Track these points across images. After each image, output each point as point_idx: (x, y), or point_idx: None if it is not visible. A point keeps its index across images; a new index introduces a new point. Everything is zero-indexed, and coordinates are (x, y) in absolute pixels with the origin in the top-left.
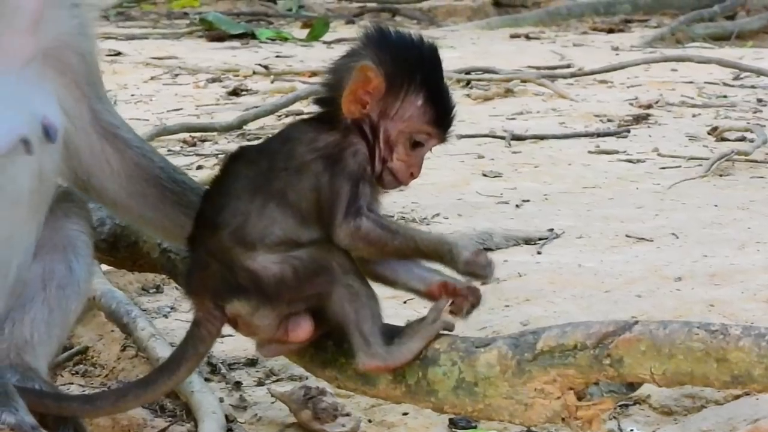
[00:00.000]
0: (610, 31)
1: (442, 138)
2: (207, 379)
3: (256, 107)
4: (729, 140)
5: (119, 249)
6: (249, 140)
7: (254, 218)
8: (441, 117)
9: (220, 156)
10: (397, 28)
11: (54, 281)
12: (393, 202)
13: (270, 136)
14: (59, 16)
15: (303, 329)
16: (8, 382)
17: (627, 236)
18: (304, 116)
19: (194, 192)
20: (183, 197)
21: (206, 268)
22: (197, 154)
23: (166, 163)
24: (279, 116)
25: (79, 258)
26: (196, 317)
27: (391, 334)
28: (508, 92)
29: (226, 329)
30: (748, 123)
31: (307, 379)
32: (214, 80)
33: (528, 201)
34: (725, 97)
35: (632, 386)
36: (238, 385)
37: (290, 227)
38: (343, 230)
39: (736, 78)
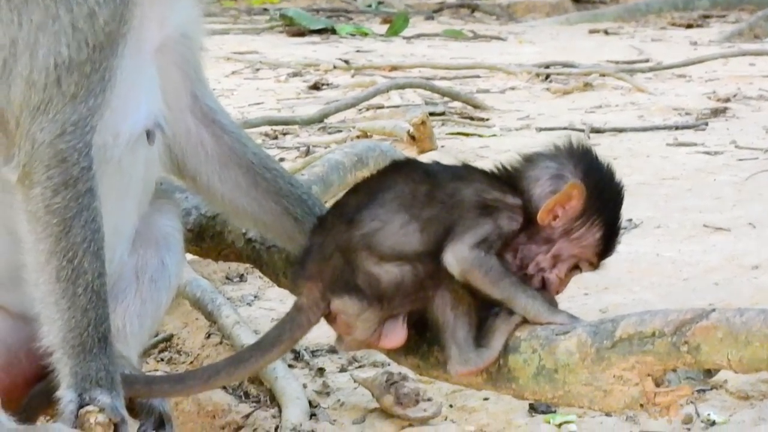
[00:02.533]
0: (689, 26)
1: (597, 267)
2: (290, 366)
3: (337, 101)
4: None
5: (204, 239)
6: (330, 133)
7: (391, 230)
8: (608, 252)
9: (301, 149)
10: (595, 152)
11: (147, 274)
12: None
13: (439, 163)
14: (182, 8)
15: (397, 336)
16: (119, 371)
17: (705, 226)
18: (482, 168)
19: (285, 180)
20: (274, 184)
21: (328, 259)
22: (279, 147)
23: (260, 150)
24: (360, 110)
25: (171, 253)
26: (299, 303)
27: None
28: (587, 86)
29: None
30: None
31: (389, 365)
32: (294, 75)
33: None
34: None
35: (709, 372)
36: (321, 371)
37: (419, 248)
38: (459, 253)
39: None
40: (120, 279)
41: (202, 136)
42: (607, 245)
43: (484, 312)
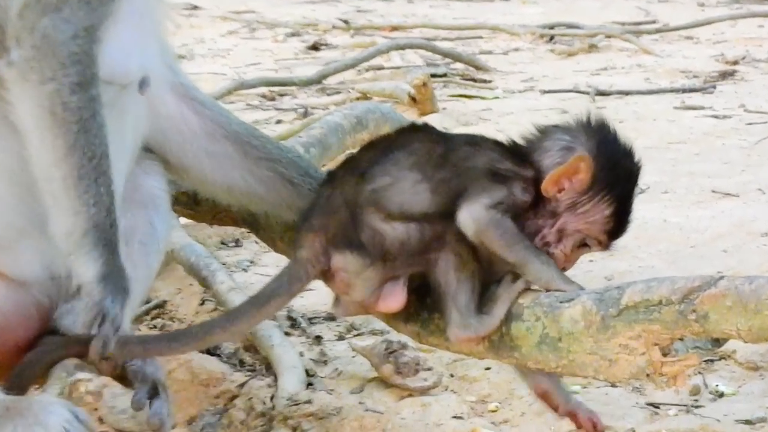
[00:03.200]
0: None
1: (607, 247)
2: (287, 333)
3: (336, 62)
4: None
5: (199, 202)
6: (329, 95)
7: (402, 187)
8: (618, 231)
9: (299, 110)
10: (615, 126)
11: (136, 237)
12: None
13: (455, 133)
14: None
15: (396, 299)
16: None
17: (713, 192)
18: (498, 139)
19: (274, 145)
20: (265, 150)
21: (334, 212)
22: (276, 109)
23: (241, 120)
24: (359, 71)
25: (160, 215)
26: (298, 255)
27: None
28: (592, 48)
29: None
30: None
31: (388, 333)
32: (293, 35)
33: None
34: None
35: (718, 342)
36: (318, 339)
37: (428, 208)
38: (475, 212)
39: None
40: None
41: (183, 113)
42: (616, 224)
43: (488, 279)
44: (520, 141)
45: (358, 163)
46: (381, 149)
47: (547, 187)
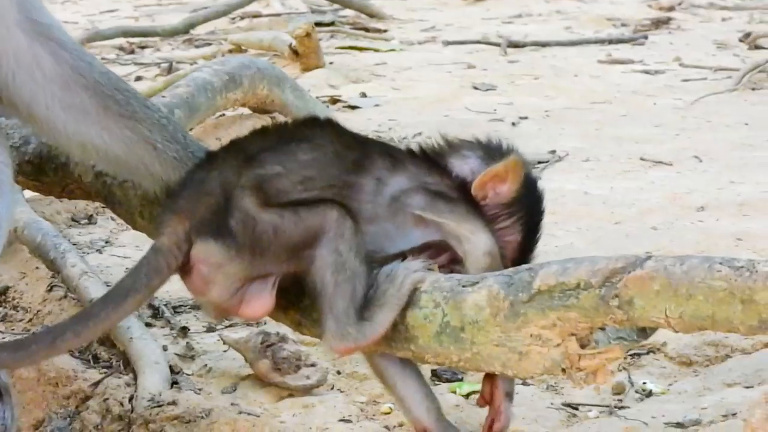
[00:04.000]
0: None
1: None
2: (148, 324)
3: (206, 8)
4: (764, 48)
5: (46, 172)
6: (197, 47)
7: (291, 181)
8: (523, 258)
9: (162, 65)
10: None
11: None
12: (368, 120)
13: (367, 137)
14: None
15: (262, 303)
16: None
17: (642, 159)
18: (412, 147)
19: (140, 102)
20: (128, 107)
21: (206, 195)
22: (136, 63)
23: (107, 70)
24: (233, 19)
25: (1, 195)
26: (158, 243)
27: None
28: None
29: None
30: None
31: (265, 324)
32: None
33: (526, 118)
34: None
35: (645, 332)
36: (184, 331)
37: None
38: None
39: None
40: None
41: (37, 54)
42: (524, 252)
43: (372, 281)
44: (427, 150)
45: (247, 147)
46: (277, 137)
47: (478, 187)
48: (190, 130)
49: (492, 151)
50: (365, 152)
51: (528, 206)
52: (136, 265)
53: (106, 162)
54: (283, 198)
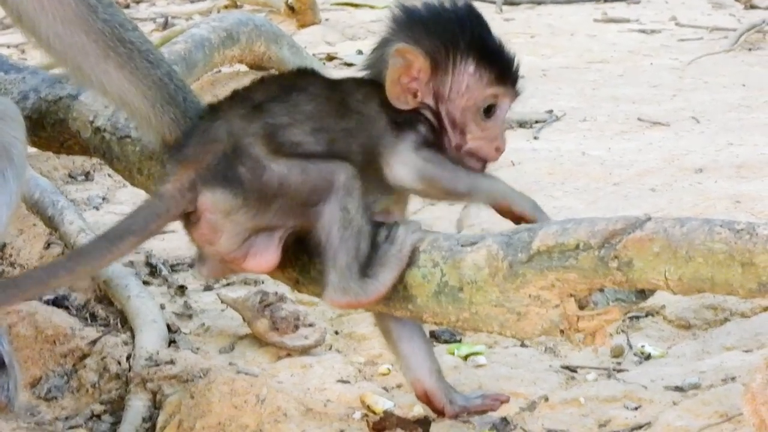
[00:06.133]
0: None
1: (513, 94)
2: (146, 282)
3: None
4: (759, 8)
5: (44, 127)
6: (192, 2)
7: (300, 131)
8: (503, 72)
9: (158, 20)
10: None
11: None
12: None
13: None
14: None
15: (268, 256)
16: None
17: (639, 120)
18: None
19: (143, 55)
20: (130, 61)
21: (213, 142)
22: (131, 18)
23: (113, 13)
24: None
25: (14, 166)
26: (162, 189)
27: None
28: None
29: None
30: None
31: (263, 283)
32: None
33: (522, 77)
34: None
35: (643, 294)
36: (182, 289)
37: (323, 155)
38: (408, 160)
39: None
40: None
41: None
42: (495, 67)
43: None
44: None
45: (252, 96)
46: (278, 87)
47: (397, 101)
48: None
49: (378, 61)
50: (345, 91)
51: (455, 44)
52: (137, 207)
53: (109, 97)
54: (296, 149)
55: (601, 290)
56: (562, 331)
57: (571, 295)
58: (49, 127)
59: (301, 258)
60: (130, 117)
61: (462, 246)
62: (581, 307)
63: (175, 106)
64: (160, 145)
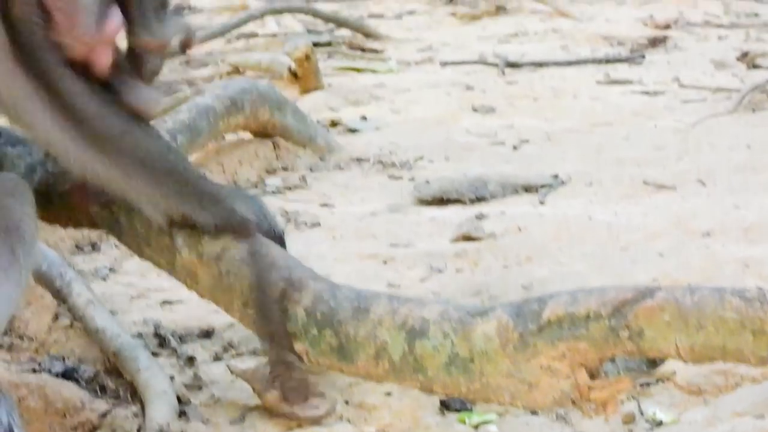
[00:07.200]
0: None
1: None
2: (155, 354)
3: (202, 29)
4: (762, 68)
5: (52, 201)
6: (194, 69)
7: None
8: None
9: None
10: None
11: None
12: (369, 143)
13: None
14: None
15: (115, 20)
16: None
17: (645, 183)
18: None
19: (141, 129)
20: (127, 134)
21: None
22: None
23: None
24: (229, 40)
25: (24, 243)
26: None
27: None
28: (499, 9)
29: (177, 294)
30: None
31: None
32: None
33: (527, 141)
34: (757, 15)
35: (654, 362)
36: (191, 360)
37: None
38: None
39: None
40: None
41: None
42: None
43: None
44: None
45: None
46: None
47: None
48: (192, 155)
49: None
50: None
51: None
52: None
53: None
54: None
55: (612, 360)
56: (573, 402)
57: (583, 365)
58: (57, 201)
59: (311, 330)
60: (134, 198)
61: (472, 316)
62: (592, 377)
63: (179, 181)
64: (167, 221)
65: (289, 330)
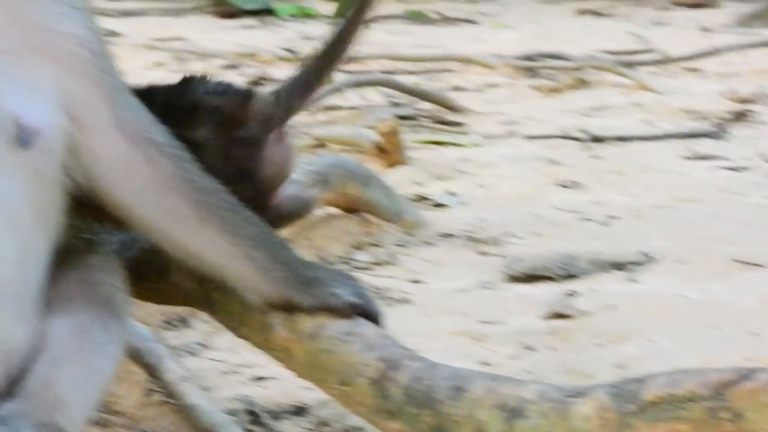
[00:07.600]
0: (695, 5)
1: None
2: (248, 431)
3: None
4: None
5: (145, 279)
6: None
7: None
8: None
9: None
10: None
11: (90, 341)
12: (457, 218)
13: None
14: None
15: None
16: None
17: (735, 260)
18: None
19: (243, 214)
20: (231, 220)
21: None
22: None
23: (202, 176)
24: (311, 112)
25: (117, 319)
26: None
27: None
28: (581, 83)
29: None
30: None
31: (364, 431)
32: (229, 66)
33: (616, 217)
34: None
35: None
36: None
37: None
38: None
39: None
40: (55, 341)
41: (132, 158)
42: None
43: None
44: None
45: None
46: None
47: None
48: (281, 231)
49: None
50: None
51: None
52: None
53: (204, 269)
54: None
55: None
56: None
57: None
58: (151, 279)
59: (407, 409)
60: (232, 281)
61: (570, 397)
62: None
63: (278, 263)
64: (268, 304)
65: (386, 408)
